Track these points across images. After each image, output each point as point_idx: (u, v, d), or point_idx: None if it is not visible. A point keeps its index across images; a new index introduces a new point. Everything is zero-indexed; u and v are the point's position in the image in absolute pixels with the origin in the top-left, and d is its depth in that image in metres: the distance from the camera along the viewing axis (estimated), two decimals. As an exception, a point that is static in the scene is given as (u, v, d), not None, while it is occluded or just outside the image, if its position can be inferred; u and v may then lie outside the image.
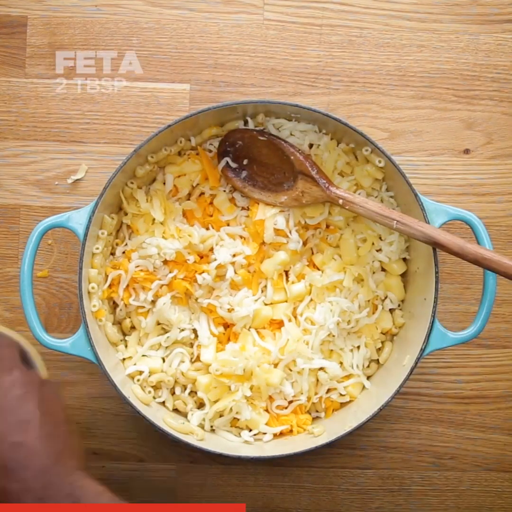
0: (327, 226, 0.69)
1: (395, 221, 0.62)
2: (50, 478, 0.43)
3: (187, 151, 0.69)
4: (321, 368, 0.67)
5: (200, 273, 0.66)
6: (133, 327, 0.69)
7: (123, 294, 0.67)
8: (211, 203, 0.69)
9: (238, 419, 0.67)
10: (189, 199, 0.69)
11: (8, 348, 0.53)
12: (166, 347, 0.68)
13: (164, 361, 0.68)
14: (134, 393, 0.66)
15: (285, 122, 0.68)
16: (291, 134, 0.68)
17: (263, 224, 0.67)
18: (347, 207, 0.64)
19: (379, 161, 0.66)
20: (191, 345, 0.68)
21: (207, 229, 0.68)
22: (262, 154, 0.67)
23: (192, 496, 0.72)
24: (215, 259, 0.66)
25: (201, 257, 0.68)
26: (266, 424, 0.67)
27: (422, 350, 0.62)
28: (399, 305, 0.70)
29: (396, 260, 0.68)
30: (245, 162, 0.68)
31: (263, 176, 0.68)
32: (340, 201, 0.64)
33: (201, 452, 0.63)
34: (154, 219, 0.68)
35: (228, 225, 0.68)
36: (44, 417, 0.46)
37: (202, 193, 0.69)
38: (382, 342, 0.70)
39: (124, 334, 0.69)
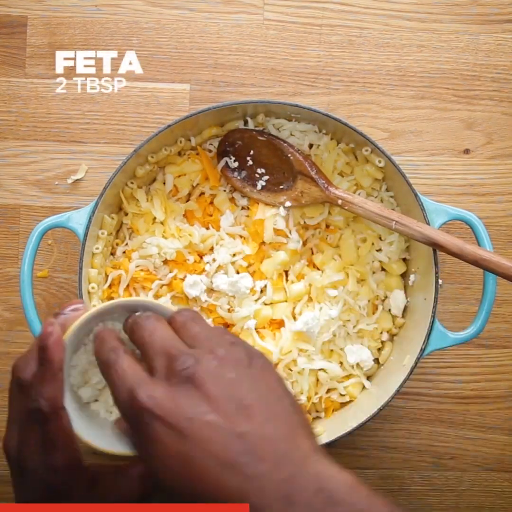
0: (327, 226, 0.69)
1: (394, 222, 0.62)
2: (290, 469, 0.34)
3: (187, 151, 0.69)
4: (321, 368, 0.67)
5: (200, 273, 0.67)
6: (133, 327, 0.69)
7: (123, 294, 0.67)
8: (211, 203, 0.69)
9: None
10: (189, 199, 0.69)
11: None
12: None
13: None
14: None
15: (285, 122, 0.68)
16: (291, 134, 0.68)
17: (263, 224, 0.67)
18: (346, 207, 0.64)
19: (379, 161, 0.65)
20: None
21: (207, 228, 0.68)
22: (261, 154, 0.67)
23: (192, 496, 0.72)
24: (214, 260, 0.67)
25: (201, 257, 0.68)
26: (266, 424, 0.67)
27: (422, 350, 0.62)
28: (399, 305, 0.70)
29: (396, 260, 0.68)
30: (242, 161, 0.68)
31: (263, 176, 0.68)
32: (339, 202, 0.64)
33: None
34: (154, 219, 0.68)
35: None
36: (263, 397, 0.37)
37: (202, 193, 0.69)
38: (382, 342, 0.70)
39: (124, 334, 0.69)
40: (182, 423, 0.35)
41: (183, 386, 0.36)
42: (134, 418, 0.37)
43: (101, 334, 0.42)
